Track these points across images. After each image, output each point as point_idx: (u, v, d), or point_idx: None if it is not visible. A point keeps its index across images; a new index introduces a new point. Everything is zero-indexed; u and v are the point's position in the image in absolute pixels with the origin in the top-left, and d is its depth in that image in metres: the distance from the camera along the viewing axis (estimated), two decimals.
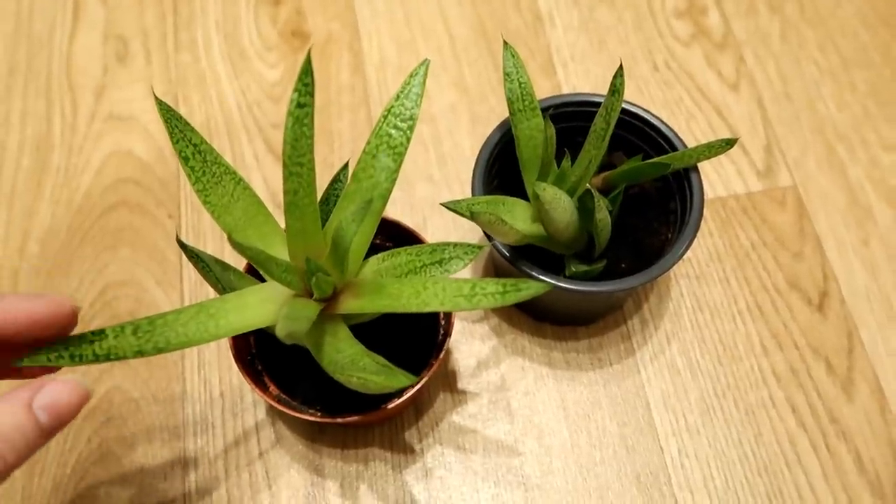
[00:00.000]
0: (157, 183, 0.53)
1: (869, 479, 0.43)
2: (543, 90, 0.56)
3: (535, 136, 0.40)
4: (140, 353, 0.28)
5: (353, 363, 0.32)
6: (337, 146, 0.54)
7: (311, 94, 0.29)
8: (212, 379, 0.46)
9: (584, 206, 0.39)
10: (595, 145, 0.38)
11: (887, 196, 0.52)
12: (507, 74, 0.39)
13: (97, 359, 0.28)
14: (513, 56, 0.39)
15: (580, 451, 0.44)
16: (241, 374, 0.38)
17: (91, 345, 0.28)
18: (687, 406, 0.45)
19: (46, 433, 0.27)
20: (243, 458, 0.44)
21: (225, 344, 0.46)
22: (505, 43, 0.40)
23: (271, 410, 0.45)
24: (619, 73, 0.37)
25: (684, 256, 0.49)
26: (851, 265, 0.50)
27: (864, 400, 0.45)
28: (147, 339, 0.29)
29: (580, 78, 0.57)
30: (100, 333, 0.28)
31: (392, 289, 0.32)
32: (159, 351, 0.29)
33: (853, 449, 0.44)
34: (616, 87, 0.37)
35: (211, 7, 0.60)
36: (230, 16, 0.60)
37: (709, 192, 0.52)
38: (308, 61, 0.28)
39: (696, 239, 0.48)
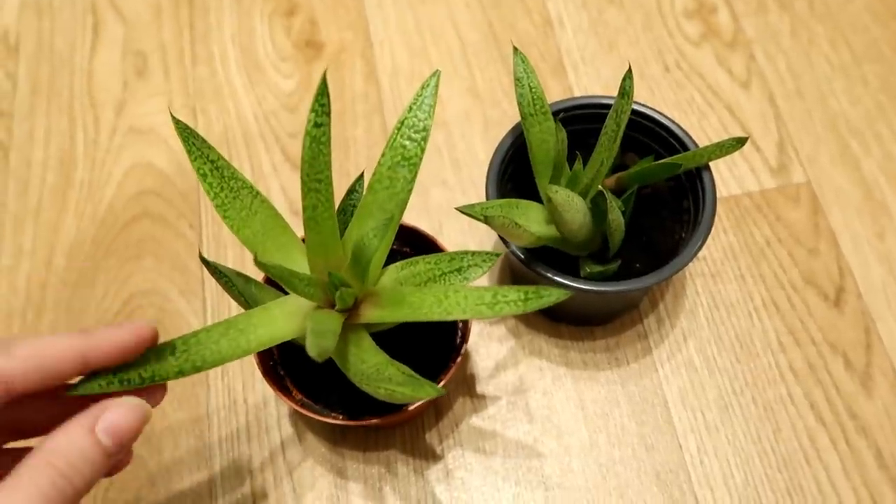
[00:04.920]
0: (177, 194, 0.54)
1: (890, 474, 0.43)
2: (555, 93, 0.57)
3: (547, 140, 0.41)
4: (181, 374, 0.30)
5: (378, 373, 0.32)
6: (352, 153, 0.55)
7: (328, 114, 0.30)
8: (236, 385, 0.47)
9: (597, 208, 0.40)
10: (606, 147, 0.39)
11: None
12: (517, 80, 0.40)
13: (143, 382, 0.29)
14: (523, 61, 0.40)
15: (599, 450, 0.44)
16: (264, 381, 0.39)
17: (136, 369, 0.29)
18: (705, 403, 0.46)
19: (111, 456, 0.28)
20: (268, 461, 0.44)
21: None
22: (515, 49, 0.40)
23: (294, 415, 0.46)
24: (629, 75, 0.38)
25: (699, 255, 0.49)
26: (867, 260, 0.50)
27: (884, 395, 0.45)
28: (185, 358, 0.30)
29: (591, 80, 0.57)
30: (142, 357, 0.29)
31: (413, 298, 0.33)
32: (197, 370, 0.30)
33: (873, 444, 0.44)
34: (625, 90, 0.38)
35: (226, 20, 0.61)
36: (245, 28, 0.61)
37: (723, 191, 0.52)
38: (324, 82, 0.29)
39: (710, 237, 0.48)
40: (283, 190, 0.54)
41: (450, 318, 0.31)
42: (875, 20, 0.59)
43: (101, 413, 0.28)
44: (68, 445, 0.27)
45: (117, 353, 0.28)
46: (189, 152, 0.33)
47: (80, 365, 0.28)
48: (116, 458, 0.28)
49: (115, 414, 0.28)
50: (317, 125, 0.30)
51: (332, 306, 0.33)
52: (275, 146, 0.55)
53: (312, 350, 0.30)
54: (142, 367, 0.29)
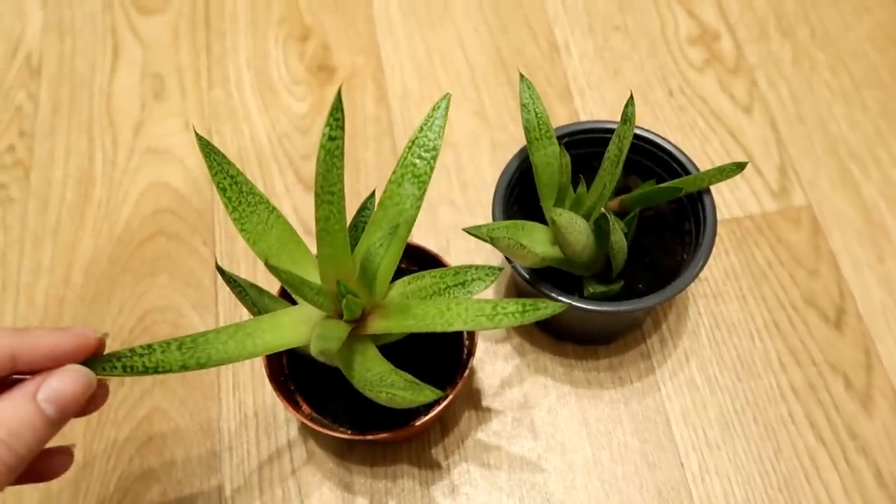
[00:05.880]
0: (192, 213, 0.55)
1: (889, 493, 0.44)
2: (561, 117, 0.58)
3: (552, 164, 0.42)
4: (184, 368, 0.31)
5: (381, 380, 0.34)
6: (363, 175, 0.56)
7: (342, 128, 0.31)
8: (246, 399, 0.48)
9: (600, 230, 0.41)
10: (609, 171, 0.40)
11: None
12: (523, 105, 0.41)
13: (146, 371, 0.30)
14: (528, 88, 0.41)
15: (602, 467, 0.45)
16: (275, 394, 0.40)
17: (141, 358, 0.30)
18: (707, 422, 0.46)
19: (54, 424, 0.27)
20: (277, 475, 0.45)
21: (259, 365, 0.48)
22: (521, 76, 0.42)
23: (303, 429, 0.47)
24: (630, 102, 0.39)
25: (701, 276, 0.50)
26: (867, 282, 0.50)
27: (883, 415, 0.46)
28: (190, 354, 0.31)
29: (597, 104, 0.59)
30: (148, 348, 0.30)
31: (418, 310, 0.34)
32: (201, 366, 0.31)
33: (873, 463, 0.45)
34: (627, 117, 0.39)
35: (242, 44, 0.63)
36: (260, 52, 0.63)
37: (724, 213, 0.53)
38: (339, 98, 0.30)
39: (712, 258, 0.49)
40: (295, 210, 0.55)
41: (452, 328, 0.32)
42: (875, 47, 0.60)
43: (43, 382, 0.27)
44: (9, 414, 0.26)
45: (50, 356, 0.28)
46: (210, 167, 0.34)
47: (8, 362, 0.27)
48: (60, 427, 0.28)
49: (58, 381, 0.28)
50: (331, 138, 0.31)
51: (341, 317, 0.35)
52: (288, 168, 0.57)
53: (314, 348, 0.31)
54: (146, 357, 0.30)
